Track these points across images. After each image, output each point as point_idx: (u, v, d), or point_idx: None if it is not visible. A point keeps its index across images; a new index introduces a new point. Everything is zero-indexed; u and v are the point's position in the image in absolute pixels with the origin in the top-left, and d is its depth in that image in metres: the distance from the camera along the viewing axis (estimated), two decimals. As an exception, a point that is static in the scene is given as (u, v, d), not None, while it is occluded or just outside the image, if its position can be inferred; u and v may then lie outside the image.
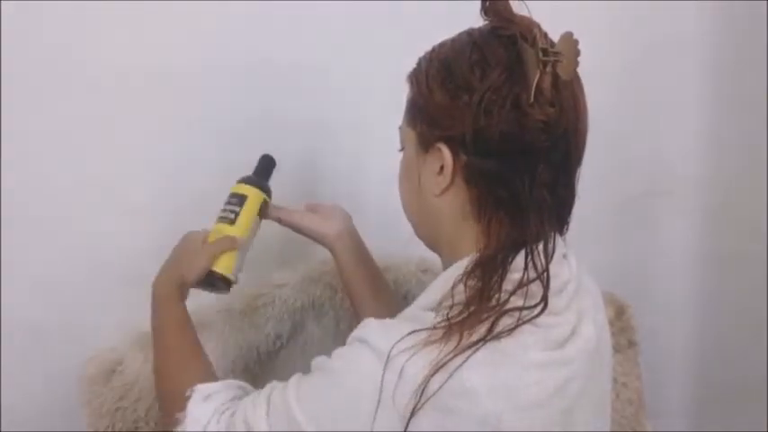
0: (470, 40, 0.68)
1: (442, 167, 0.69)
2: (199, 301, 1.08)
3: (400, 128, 0.75)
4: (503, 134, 0.64)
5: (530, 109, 0.63)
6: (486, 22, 0.68)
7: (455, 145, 0.67)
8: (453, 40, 0.70)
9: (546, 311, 0.65)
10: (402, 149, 0.76)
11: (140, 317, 1.07)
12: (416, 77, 0.72)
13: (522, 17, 0.67)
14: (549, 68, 0.63)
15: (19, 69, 1.00)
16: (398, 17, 1.13)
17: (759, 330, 1.37)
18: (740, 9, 1.28)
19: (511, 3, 0.68)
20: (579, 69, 0.69)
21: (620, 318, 1.13)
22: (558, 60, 0.63)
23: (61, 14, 1.00)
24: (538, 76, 0.62)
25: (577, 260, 0.75)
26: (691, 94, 1.34)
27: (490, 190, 0.67)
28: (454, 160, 0.68)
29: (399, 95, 0.75)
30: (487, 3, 0.67)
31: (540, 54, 0.63)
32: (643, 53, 1.31)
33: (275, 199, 0.97)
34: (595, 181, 1.27)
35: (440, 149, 0.69)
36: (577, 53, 0.65)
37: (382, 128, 0.85)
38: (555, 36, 0.69)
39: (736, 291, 1.39)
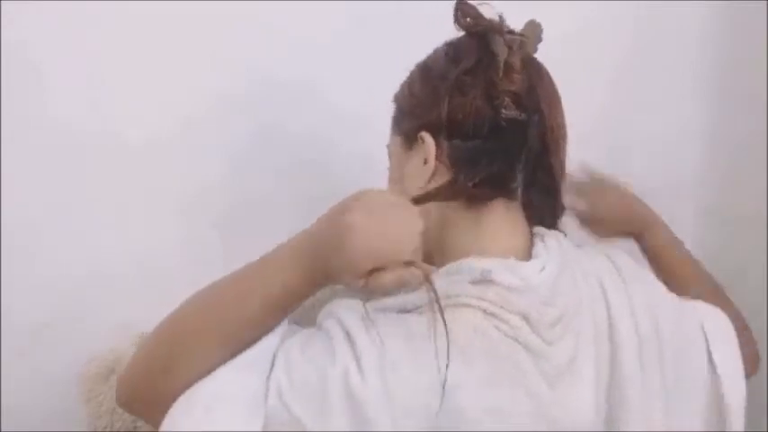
0: (446, 43, 0.73)
1: (425, 160, 0.70)
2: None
3: (387, 146, 0.78)
4: (478, 112, 0.67)
5: (500, 82, 0.67)
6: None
7: (436, 131, 0.69)
8: (432, 50, 0.74)
9: (538, 340, 0.65)
10: (389, 161, 0.78)
11: (140, 317, 1.07)
12: (400, 91, 0.75)
13: (491, 18, 0.69)
14: (515, 47, 0.67)
15: (21, 77, 1.00)
16: (405, 26, 1.13)
17: (759, 330, 1.37)
18: (740, 9, 1.28)
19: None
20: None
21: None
22: (524, 40, 0.68)
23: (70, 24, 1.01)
24: (506, 54, 0.66)
25: (568, 244, 0.74)
26: (690, 93, 1.34)
27: (473, 176, 0.68)
28: (437, 147, 0.70)
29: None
30: (460, 5, 0.70)
31: (506, 36, 0.67)
32: (642, 53, 1.31)
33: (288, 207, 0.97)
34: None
35: (422, 138, 0.70)
36: (540, 36, 0.70)
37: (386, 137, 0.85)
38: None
39: (735, 291, 1.39)
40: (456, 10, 0.69)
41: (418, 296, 0.65)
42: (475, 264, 0.66)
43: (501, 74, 0.66)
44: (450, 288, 0.65)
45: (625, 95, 1.31)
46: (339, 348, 0.61)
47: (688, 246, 1.42)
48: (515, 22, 0.71)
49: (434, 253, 0.71)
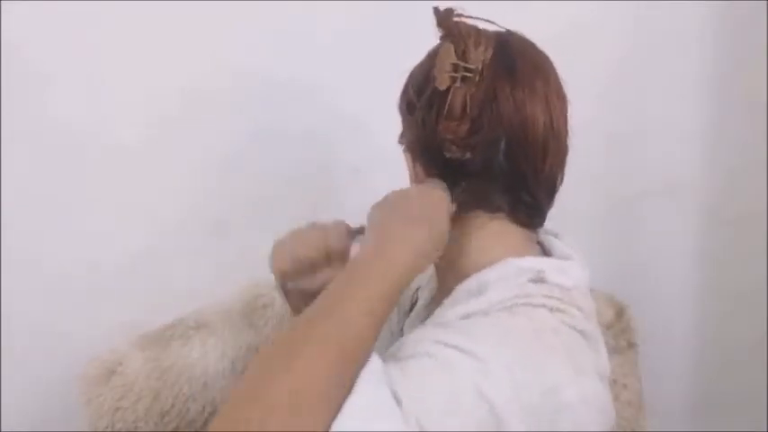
0: (430, 53, 0.71)
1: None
2: (198, 301, 1.09)
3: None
4: (431, 146, 0.68)
5: (439, 125, 0.66)
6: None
7: (412, 152, 0.71)
8: (427, 53, 0.73)
9: (590, 326, 0.67)
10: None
11: (140, 317, 1.07)
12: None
13: (460, 28, 0.67)
14: (457, 84, 0.65)
15: (21, 71, 1.00)
16: (405, 26, 1.13)
17: (759, 330, 1.37)
18: (740, 9, 1.28)
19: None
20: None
21: (619, 319, 1.12)
22: (466, 75, 0.64)
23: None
24: (451, 91, 0.65)
25: None
26: (690, 94, 1.34)
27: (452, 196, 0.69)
28: (414, 166, 0.72)
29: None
30: (436, 15, 0.68)
31: (451, 69, 0.64)
32: (642, 53, 1.30)
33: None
34: (595, 180, 1.27)
35: (406, 155, 0.73)
36: (484, 65, 0.65)
37: (384, 137, 0.84)
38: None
39: (735, 291, 1.39)
40: (434, 17, 0.69)
41: (498, 295, 0.65)
42: (525, 264, 0.67)
43: (444, 113, 0.66)
44: (519, 289, 0.66)
45: (625, 95, 1.31)
46: (458, 363, 0.58)
47: (689, 246, 1.42)
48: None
49: (443, 261, 0.71)
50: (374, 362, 0.56)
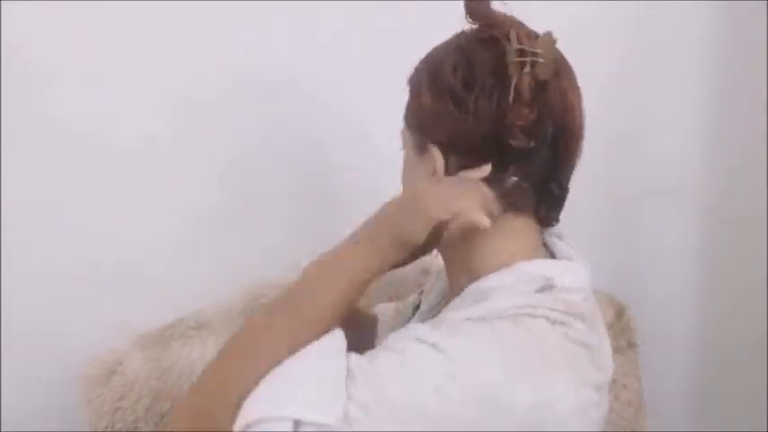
0: (456, 44, 0.70)
1: (434, 171, 0.69)
2: (198, 301, 1.09)
3: (402, 133, 0.76)
4: (486, 137, 0.66)
5: (509, 112, 0.65)
6: (471, 25, 0.69)
7: (445, 147, 0.69)
8: (443, 44, 0.72)
9: (594, 336, 0.67)
10: (403, 149, 0.76)
11: (140, 317, 1.07)
12: (411, 82, 0.73)
13: (503, 17, 0.67)
14: (527, 69, 0.64)
15: (21, 71, 1.00)
16: (405, 26, 1.13)
17: (759, 330, 1.37)
18: (740, 9, 1.28)
19: (503, 2, 0.69)
20: (579, 69, 0.70)
21: (619, 319, 1.12)
22: (537, 60, 0.64)
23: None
24: (516, 77, 0.64)
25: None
26: (690, 94, 1.34)
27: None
28: (446, 162, 0.69)
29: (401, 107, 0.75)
30: (469, 5, 0.68)
31: (517, 55, 0.64)
32: (642, 53, 1.31)
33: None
34: (595, 180, 1.28)
35: (431, 152, 0.69)
36: (555, 53, 0.66)
37: (384, 138, 0.84)
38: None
39: (735, 291, 1.39)
40: (466, 9, 0.68)
41: (500, 303, 0.65)
42: (535, 270, 0.67)
43: (510, 101, 0.64)
44: (524, 299, 0.65)
45: (625, 96, 1.31)
46: (422, 361, 0.60)
47: (689, 246, 1.42)
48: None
49: (458, 260, 0.72)
50: (336, 337, 0.63)
